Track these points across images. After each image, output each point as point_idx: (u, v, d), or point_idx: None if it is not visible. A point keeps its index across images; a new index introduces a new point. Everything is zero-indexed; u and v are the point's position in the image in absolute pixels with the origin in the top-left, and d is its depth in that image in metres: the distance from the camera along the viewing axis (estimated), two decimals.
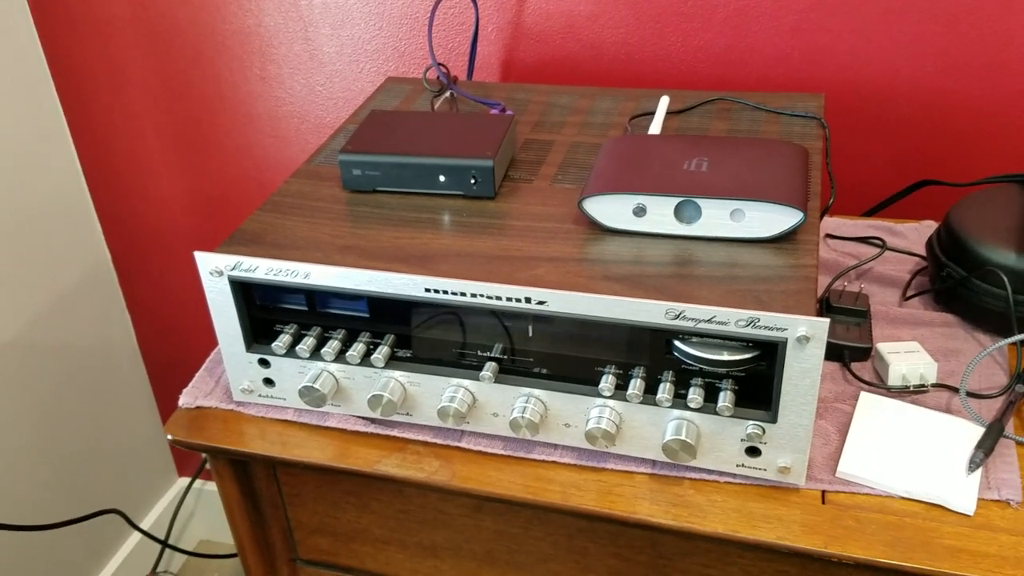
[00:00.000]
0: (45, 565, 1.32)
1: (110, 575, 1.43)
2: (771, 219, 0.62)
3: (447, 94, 0.88)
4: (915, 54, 0.90)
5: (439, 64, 0.89)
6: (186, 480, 1.58)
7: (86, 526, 1.38)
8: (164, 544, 1.40)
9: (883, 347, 0.70)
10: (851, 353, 0.71)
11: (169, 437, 0.70)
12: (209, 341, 1.40)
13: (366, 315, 0.66)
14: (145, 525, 1.50)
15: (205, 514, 1.59)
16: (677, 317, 0.57)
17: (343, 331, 0.67)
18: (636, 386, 0.61)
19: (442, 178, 0.70)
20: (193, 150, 1.21)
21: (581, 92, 0.89)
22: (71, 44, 1.16)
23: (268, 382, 0.69)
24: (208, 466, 1.51)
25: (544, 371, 0.64)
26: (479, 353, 0.65)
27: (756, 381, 0.59)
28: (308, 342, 0.67)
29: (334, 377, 0.67)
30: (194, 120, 1.18)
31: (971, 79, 0.90)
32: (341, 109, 1.11)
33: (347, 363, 0.67)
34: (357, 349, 0.66)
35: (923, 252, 0.82)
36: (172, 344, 1.42)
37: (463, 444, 0.67)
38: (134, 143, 1.23)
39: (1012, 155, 0.92)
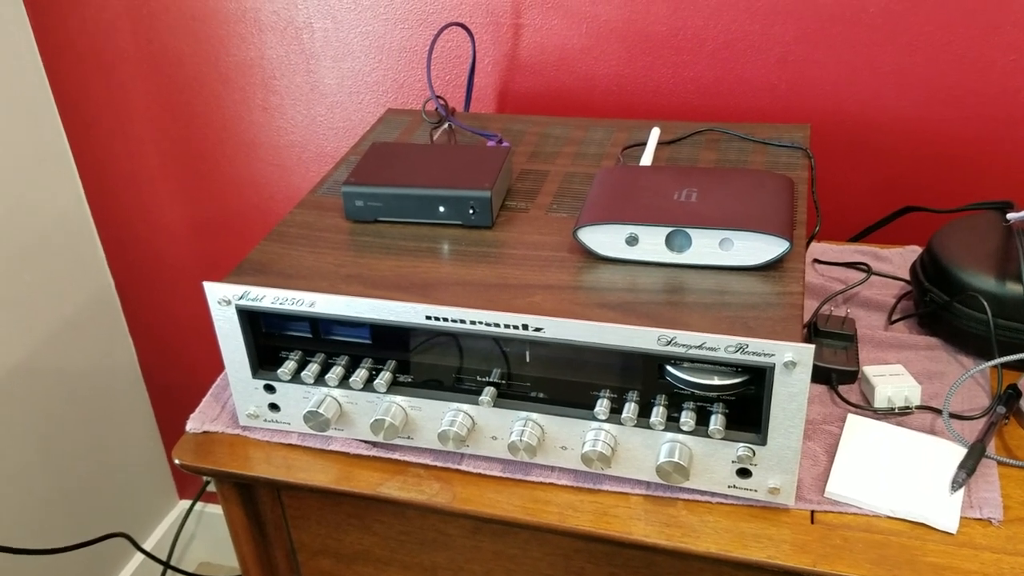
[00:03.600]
0: None
1: None
2: (758, 248, 0.64)
3: (445, 126, 0.91)
4: (898, 84, 0.93)
5: (437, 97, 0.92)
6: (187, 503, 1.59)
7: (89, 548, 1.39)
8: (167, 566, 1.41)
9: (869, 370, 0.72)
10: (838, 376, 0.74)
11: (177, 461, 0.71)
12: (210, 365, 1.42)
13: (369, 342, 0.68)
14: (146, 548, 1.51)
15: (206, 536, 1.60)
16: (669, 343, 0.59)
17: (346, 357, 0.69)
18: (630, 410, 0.63)
19: (442, 209, 0.73)
20: (196, 178, 1.24)
21: (575, 123, 0.91)
22: (76, 75, 1.19)
23: (273, 407, 0.71)
24: (209, 489, 1.52)
25: (541, 395, 0.66)
26: (478, 378, 0.67)
27: (746, 404, 0.61)
28: (312, 368, 0.69)
29: (337, 402, 0.69)
30: (197, 149, 1.21)
31: (952, 108, 0.93)
32: (341, 139, 1.14)
33: (350, 388, 0.69)
34: (360, 375, 0.68)
35: (907, 276, 0.84)
36: (174, 368, 1.44)
37: (463, 467, 0.69)
38: (137, 171, 1.25)
39: (993, 182, 0.95)
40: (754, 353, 0.58)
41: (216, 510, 1.57)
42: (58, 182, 1.25)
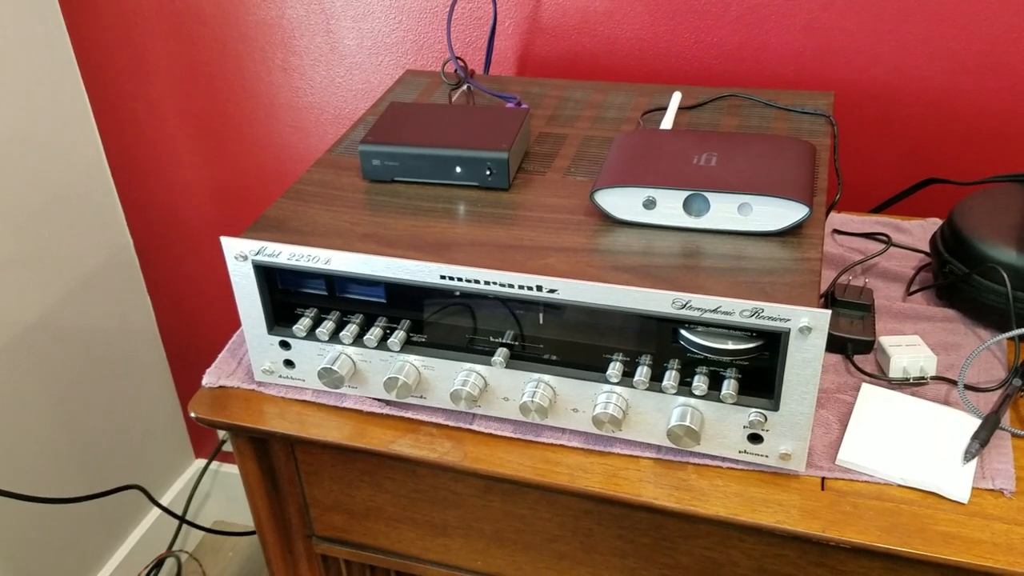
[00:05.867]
0: (66, 540, 1.36)
1: (128, 551, 1.47)
2: (777, 213, 0.64)
3: (464, 87, 0.91)
4: (924, 54, 0.91)
5: (457, 58, 0.91)
6: (202, 462, 1.61)
7: (105, 503, 1.41)
8: (182, 520, 1.43)
9: (885, 340, 0.72)
10: (854, 346, 0.73)
11: (193, 415, 0.72)
12: (226, 325, 1.43)
13: (383, 300, 0.68)
14: (162, 504, 1.53)
15: (220, 495, 1.63)
16: (684, 307, 0.59)
17: (361, 316, 0.69)
18: (643, 373, 0.63)
19: (458, 169, 0.73)
20: (215, 139, 1.24)
21: (595, 87, 0.91)
22: (97, 32, 1.19)
23: (288, 364, 0.72)
24: (225, 448, 1.54)
25: (554, 357, 0.66)
26: (491, 339, 0.67)
27: (759, 370, 0.61)
28: (327, 326, 0.69)
29: (352, 360, 0.70)
30: (216, 109, 1.21)
31: (978, 79, 0.91)
32: (360, 100, 1.14)
33: (364, 346, 0.69)
34: (374, 333, 0.68)
35: (927, 249, 0.83)
36: (190, 327, 1.46)
37: (474, 427, 0.69)
38: (157, 131, 1.26)
39: (1016, 155, 0.93)
40: (769, 318, 0.57)
41: (231, 470, 1.59)
42: (78, 141, 1.26)
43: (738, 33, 0.95)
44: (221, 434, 1.55)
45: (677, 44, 0.98)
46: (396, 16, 1.06)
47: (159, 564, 1.51)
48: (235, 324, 1.41)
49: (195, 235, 1.35)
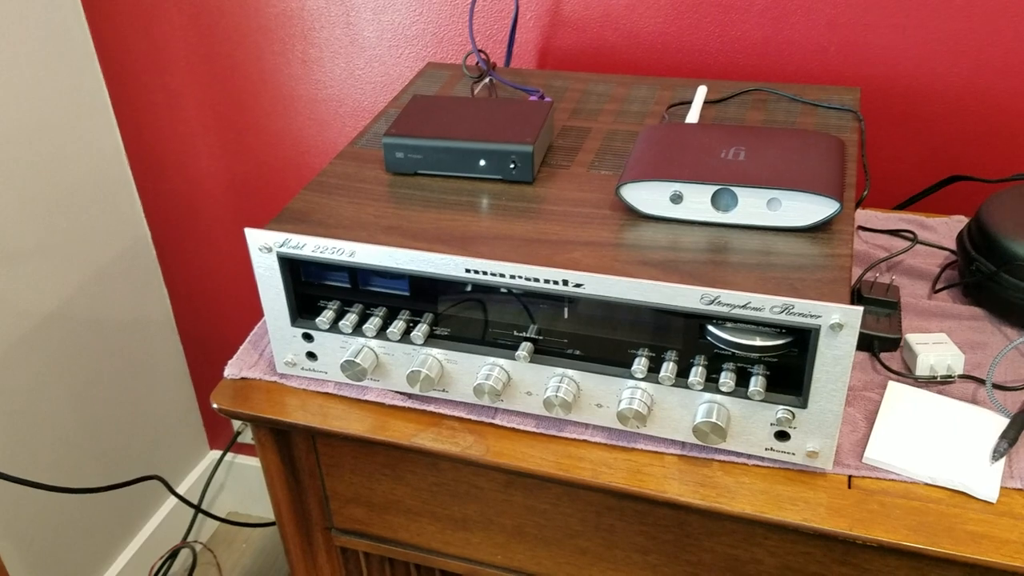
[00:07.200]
0: (82, 529, 1.36)
1: (142, 542, 1.47)
2: (807, 209, 0.63)
3: (486, 80, 0.90)
4: (951, 51, 0.90)
5: (479, 50, 0.91)
6: (217, 453, 1.61)
7: (119, 493, 1.42)
8: (198, 509, 1.43)
9: (912, 338, 0.71)
10: (881, 343, 0.72)
11: (215, 406, 0.72)
12: (243, 315, 1.43)
13: (407, 293, 0.68)
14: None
15: (234, 487, 1.63)
16: (712, 302, 0.59)
17: (384, 308, 0.69)
18: (668, 369, 0.63)
19: (482, 162, 0.72)
20: (233, 130, 1.24)
21: (618, 80, 0.90)
22: (116, 22, 1.19)
23: (311, 356, 0.72)
24: (240, 440, 1.55)
25: (578, 352, 0.66)
26: (515, 333, 0.67)
27: (788, 367, 0.61)
28: (350, 318, 0.69)
29: (374, 353, 0.70)
30: (235, 100, 1.21)
31: (1005, 76, 0.90)
32: (379, 93, 1.13)
33: (387, 339, 0.69)
34: (397, 326, 0.68)
35: (953, 246, 0.83)
36: (207, 319, 1.46)
37: (497, 421, 0.69)
38: (175, 122, 1.26)
39: None
40: (800, 314, 0.57)
41: (245, 461, 1.60)
42: (97, 132, 1.26)
43: (762, 27, 0.95)
44: (236, 425, 1.55)
45: (700, 38, 0.97)
46: (416, 8, 1.06)
47: (174, 555, 1.51)
48: (252, 315, 1.41)
49: (212, 226, 1.35)
